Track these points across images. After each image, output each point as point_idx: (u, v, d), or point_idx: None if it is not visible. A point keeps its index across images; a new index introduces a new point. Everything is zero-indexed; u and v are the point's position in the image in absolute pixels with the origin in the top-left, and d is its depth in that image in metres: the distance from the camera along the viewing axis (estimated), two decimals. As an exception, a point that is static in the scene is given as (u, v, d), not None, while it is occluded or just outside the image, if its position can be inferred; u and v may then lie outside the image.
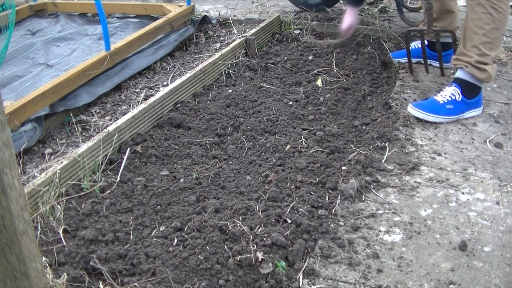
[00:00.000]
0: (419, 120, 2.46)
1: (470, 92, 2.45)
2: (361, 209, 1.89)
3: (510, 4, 3.49)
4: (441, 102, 2.44)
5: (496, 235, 1.75)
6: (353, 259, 1.65)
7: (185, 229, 1.79)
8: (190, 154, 2.29)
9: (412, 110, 2.46)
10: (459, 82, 2.48)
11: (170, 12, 3.74)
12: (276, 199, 1.95)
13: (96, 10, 2.95)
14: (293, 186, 2.04)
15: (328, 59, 3.19)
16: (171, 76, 3.21)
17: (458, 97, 2.43)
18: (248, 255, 1.62)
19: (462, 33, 2.47)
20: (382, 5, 4.14)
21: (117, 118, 2.63)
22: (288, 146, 2.31)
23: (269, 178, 2.09)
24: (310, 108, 2.68)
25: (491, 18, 2.32)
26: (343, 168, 2.13)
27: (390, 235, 1.76)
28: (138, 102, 2.84)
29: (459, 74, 2.49)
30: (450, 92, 2.46)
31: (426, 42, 2.83)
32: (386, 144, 2.27)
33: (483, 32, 2.35)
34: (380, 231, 1.78)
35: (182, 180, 2.10)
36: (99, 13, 2.94)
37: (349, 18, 3.13)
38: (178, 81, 2.74)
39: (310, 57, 3.26)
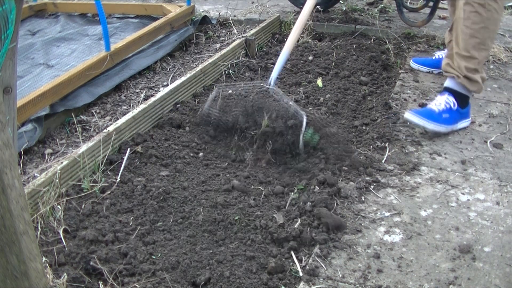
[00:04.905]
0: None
1: (463, 101, 2.37)
2: (361, 209, 1.89)
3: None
4: (437, 111, 2.33)
5: (496, 235, 1.75)
6: (353, 259, 1.65)
7: (185, 229, 1.79)
8: (190, 154, 2.29)
9: (410, 116, 2.33)
10: (451, 92, 2.38)
11: (170, 12, 3.74)
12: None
13: (96, 10, 2.95)
14: (293, 186, 2.04)
15: (328, 59, 3.19)
16: (171, 76, 3.21)
17: (453, 106, 2.34)
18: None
19: (454, 37, 2.35)
20: (382, 5, 4.15)
21: (117, 118, 2.63)
22: (288, 146, 2.30)
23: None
24: (310, 108, 2.68)
25: (479, 18, 2.22)
26: (343, 168, 2.13)
27: (390, 235, 1.76)
28: (138, 102, 2.84)
29: (450, 83, 2.40)
30: (444, 101, 2.35)
31: None
32: (386, 144, 2.27)
33: (471, 32, 2.25)
34: (380, 231, 1.78)
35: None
36: (99, 13, 2.93)
37: None
38: (178, 82, 2.74)
39: (310, 57, 3.26)
